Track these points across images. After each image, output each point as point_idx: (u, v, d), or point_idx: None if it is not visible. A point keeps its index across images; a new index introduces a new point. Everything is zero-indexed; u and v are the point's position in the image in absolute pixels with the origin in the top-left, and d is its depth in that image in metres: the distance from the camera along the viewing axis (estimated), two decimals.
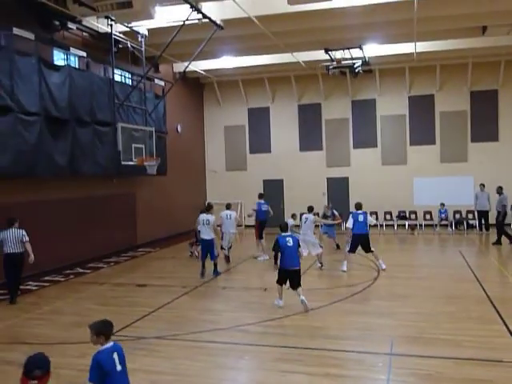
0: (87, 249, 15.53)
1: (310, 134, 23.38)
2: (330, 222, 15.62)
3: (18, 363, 7.11)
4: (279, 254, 9.25)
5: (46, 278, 13.04)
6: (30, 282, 12.51)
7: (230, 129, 24.63)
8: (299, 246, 9.48)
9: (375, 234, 20.21)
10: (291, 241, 9.31)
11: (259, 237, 15.64)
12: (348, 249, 13.11)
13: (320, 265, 13.25)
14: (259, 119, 24.12)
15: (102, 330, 4.38)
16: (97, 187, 16.28)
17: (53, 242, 13.92)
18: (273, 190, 23.77)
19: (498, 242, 16.62)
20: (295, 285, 9.29)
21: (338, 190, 22.86)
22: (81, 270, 14.15)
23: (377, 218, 22.05)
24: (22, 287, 11.73)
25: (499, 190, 17.87)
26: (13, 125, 12.04)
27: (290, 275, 9.31)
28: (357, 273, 13.12)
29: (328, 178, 23.21)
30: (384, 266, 12.83)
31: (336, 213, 16.24)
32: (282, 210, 23.53)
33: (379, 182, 22.14)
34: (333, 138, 23.19)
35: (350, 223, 13.02)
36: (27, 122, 12.50)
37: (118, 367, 4.31)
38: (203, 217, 12.50)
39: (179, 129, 22.14)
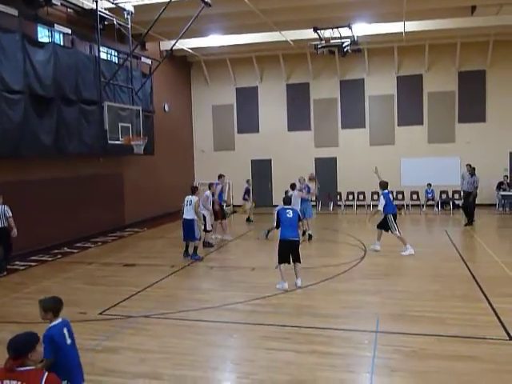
0: (74, 229, 15.47)
1: (299, 113, 23.32)
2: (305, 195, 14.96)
3: (6, 342, 7.14)
4: (275, 225, 9.53)
5: (33, 258, 13.00)
6: (17, 262, 12.46)
7: (218, 108, 24.48)
8: (300, 219, 9.63)
9: (363, 214, 20.38)
10: (291, 212, 9.49)
11: (223, 217, 15.00)
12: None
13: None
14: (247, 99, 23.98)
15: (51, 306, 4.55)
16: (83, 167, 16.15)
17: (40, 222, 13.85)
18: (261, 170, 23.78)
19: (470, 223, 16.65)
20: (295, 258, 9.41)
21: (326, 170, 22.91)
22: (68, 250, 14.11)
23: (364, 198, 22.23)
24: (9, 267, 11.70)
25: (471, 171, 16.78)
26: None
27: (290, 247, 9.34)
28: (343, 252, 13.26)
29: (316, 159, 23.24)
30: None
31: (311, 186, 15.08)
32: (270, 190, 23.62)
33: (367, 162, 22.18)
34: (321, 118, 23.17)
35: (382, 204, 12.37)
36: (11, 101, 12.32)
37: (68, 341, 4.49)
38: (188, 198, 12.49)
39: (166, 108, 21.95)
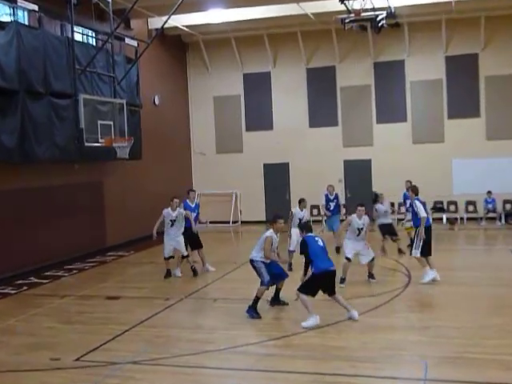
0: (44, 253, 15.58)
1: (322, 105, 23.37)
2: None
3: None
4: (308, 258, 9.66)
5: None
6: None
7: (222, 100, 24.61)
8: None
9: (399, 230, 20.27)
10: (320, 241, 9.82)
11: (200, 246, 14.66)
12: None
13: None
14: (258, 88, 24.09)
15: None
16: (54, 175, 16.30)
17: (0, 244, 13.96)
18: (276, 177, 23.82)
19: None
20: (332, 291, 9.64)
21: (357, 175, 22.89)
22: (36, 280, 14.20)
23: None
24: None
25: None
26: None
27: (327, 279, 9.52)
28: (382, 278, 13.19)
29: (345, 161, 23.24)
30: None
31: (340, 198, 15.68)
32: (287, 202, 23.59)
33: (409, 164, 22.13)
34: (351, 111, 23.19)
35: (423, 211, 12.22)
36: None
37: None
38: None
39: (157, 101, 22.12)
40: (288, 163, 23.96)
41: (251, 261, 10.58)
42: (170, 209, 13.77)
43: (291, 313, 10.31)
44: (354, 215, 12.25)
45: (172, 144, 23.35)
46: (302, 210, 14.41)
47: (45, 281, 14.18)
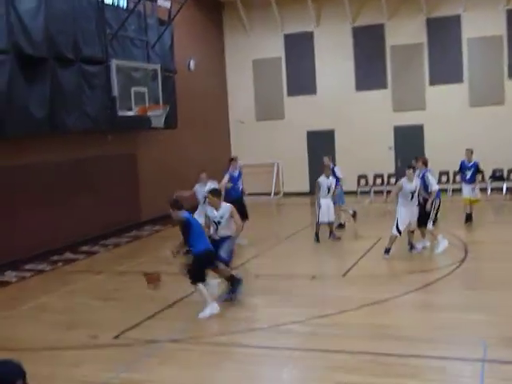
0: (78, 228, 15.91)
1: (370, 66, 23.10)
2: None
3: None
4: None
5: (28, 267, 13.49)
6: (8, 272, 12.98)
7: (261, 63, 24.53)
8: None
9: (460, 201, 20.05)
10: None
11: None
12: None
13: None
14: (300, 49, 23.93)
15: None
16: (86, 147, 16.55)
17: (34, 221, 14.31)
18: (320, 145, 23.70)
19: None
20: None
21: (408, 142, 22.62)
22: (71, 256, 14.57)
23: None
24: None
25: None
26: None
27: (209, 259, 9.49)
28: (437, 253, 13.12)
29: (396, 127, 23.00)
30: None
31: (338, 172, 15.50)
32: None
33: (466, 130, 21.78)
34: (401, 72, 22.86)
35: (435, 184, 12.83)
36: None
37: None
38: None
39: (192, 65, 22.15)
40: (333, 130, 23.83)
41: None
42: (199, 184, 13.97)
43: (336, 290, 10.37)
44: (404, 179, 12.29)
45: (209, 112, 23.40)
46: (328, 178, 14.44)
47: (80, 256, 14.54)
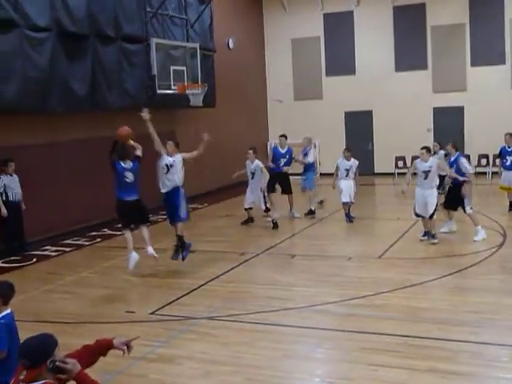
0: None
1: (411, 47, 22.74)
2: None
3: None
4: None
5: (67, 242, 13.75)
6: (48, 247, 13.23)
7: (300, 42, 24.35)
8: None
9: (493, 185, 19.72)
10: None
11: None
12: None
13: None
14: (339, 29, 23.67)
15: (3, 291, 4.94)
16: (125, 124, 16.60)
17: (74, 196, 14.53)
18: (358, 126, 23.53)
19: None
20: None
21: (448, 124, 22.25)
22: (109, 232, 14.76)
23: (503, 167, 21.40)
24: (37, 252, 12.49)
25: None
26: (18, 44, 12.44)
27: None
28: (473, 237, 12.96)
29: (435, 108, 22.67)
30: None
31: (309, 152, 15.96)
32: (370, 153, 23.32)
33: (509, 112, 21.35)
34: (442, 53, 22.46)
35: (470, 168, 12.57)
36: (36, 40, 12.88)
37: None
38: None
39: (231, 44, 22.10)
40: (371, 111, 23.58)
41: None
42: (249, 161, 14.42)
43: (373, 271, 10.32)
44: (419, 159, 12.25)
45: (247, 90, 23.36)
46: (348, 160, 14.58)
47: (118, 233, 14.66)
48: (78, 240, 13.95)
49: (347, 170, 14.47)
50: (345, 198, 14.35)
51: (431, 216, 11.94)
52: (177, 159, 11.23)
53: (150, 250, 10.48)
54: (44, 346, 3.68)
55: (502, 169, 15.16)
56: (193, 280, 10.15)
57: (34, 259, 12.17)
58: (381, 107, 23.30)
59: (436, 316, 8.03)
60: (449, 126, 22.19)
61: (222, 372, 6.61)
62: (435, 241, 11.93)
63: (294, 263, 11.36)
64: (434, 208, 11.90)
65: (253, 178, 14.36)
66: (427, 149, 12.26)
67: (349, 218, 14.47)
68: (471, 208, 12.32)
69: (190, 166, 19.29)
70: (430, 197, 11.93)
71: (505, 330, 7.46)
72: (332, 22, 23.78)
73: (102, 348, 4.22)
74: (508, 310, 8.17)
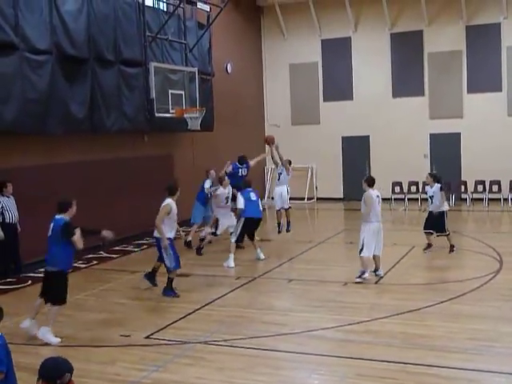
0: (113, 227, 15.85)
1: (408, 73, 22.91)
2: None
3: (34, 369, 7.61)
4: None
5: None
6: (43, 269, 13.12)
7: (298, 68, 24.52)
8: None
9: (497, 212, 19.78)
10: None
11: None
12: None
13: None
14: (337, 54, 23.85)
15: None
16: (123, 147, 16.74)
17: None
18: (355, 151, 23.61)
19: None
20: None
21: (445, 150, 22.37)
22: (106, 255, 14.72)
23: (499, 189, 21.52)
24: (32, 274, 12.44)
25: None
26: (18, 67, 12.54)
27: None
28: (470, 263, 12.96)
29: (432, 135, 22.76)
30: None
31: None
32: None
33: (505, 138, 21.46)
34: (439, 79, 22.63)
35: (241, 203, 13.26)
36: (36, 63, 12.98)
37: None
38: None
39: (229, 69, 22.25)
40: (368, 136, 23.67)
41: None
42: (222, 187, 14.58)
43: (368, 297, 10.31)
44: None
45: (245, 115, 23.46)
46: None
47: (114, 255, 14.68)
48: (74, 262, 13.84)
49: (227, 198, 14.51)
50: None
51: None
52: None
53: None
54: (57, 366, 4.18)
55: None
56: (188, 304, 10.11)
57: (29, 281, 12.11)
58: (378, 133, 23.40)
59: (432, 343, 8.00)
60: (445, 153, 22.33)
61: None
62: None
63: (290, 288, 11.33)
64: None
65: (227, 202, 14.39)
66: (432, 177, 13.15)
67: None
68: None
69: (187, 190, 19.37)
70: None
71: (502, 358, 7.43)
72: (330, 48, 23.96)
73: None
74: (505, 338, 8.15)
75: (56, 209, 9.16)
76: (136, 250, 15.42)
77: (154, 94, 15.38)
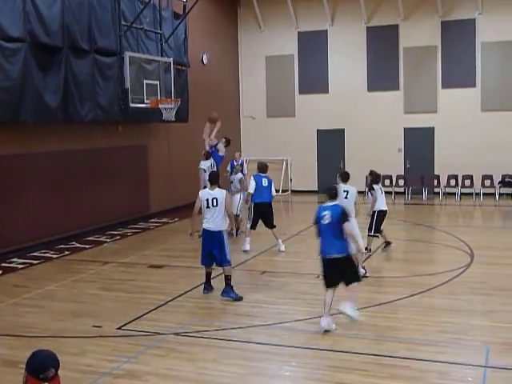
0: (86, 218, 15.97)
1: (383, 67, 23.00)
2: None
3: (3, 360, 7.55)
4: None
5: (35, 254, 13.56)
6: (15, 259, 13.04)
7: (274, 60, 24.49)
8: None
9: (469, 206, 19.99)
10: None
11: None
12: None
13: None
14: (313, 47, 23.86)
15: None
16: (97, 137, 16.60)
17: (43, 208, 14.38)
18: (330, 144, 23.69)
19: None
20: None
21: (419, 144, 22.55)
22: (78, 245, 14.63)
23: (472, 184, 21.76)
24: (5, 265, 12.31)
25: None
26: None
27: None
28: (442, 257, 13.09)
29: (406, 129, 22.91)
30: None
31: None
32: (342, 171, 23.45)
33: (477, 135, 21.67)
34: (414, 74, 22.76)
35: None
36: (8, 51, 12.75)
37: None
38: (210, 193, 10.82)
39: (205, 60, 22.15)
40: (343, 129, 23.75)
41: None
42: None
43: (341, 290, 10.35)
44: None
45: (220, 106, 23.26)
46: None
47: (87, 246, 14.58)
48: (46, 253, 13.77)
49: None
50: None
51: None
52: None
53: None
54: (42, 360, 4.21)
55: None
56: (161, 295, 10.07)
57: (0, 271, 11.99)
58: (353, 126, 23.48)
59: (403, 335, 8.07)
60: (419, 147, 22.51)
61: None
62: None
63: (263, 280, 11.33)
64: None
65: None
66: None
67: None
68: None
69: (164, 181, 19.33)
70: None
71: (472, 350, 7.52)
72: (306, 41, 23.96)
73: None
74: (475, 330, 8.24)
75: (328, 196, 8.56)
76: (108, 240, 15.31)
77: (128, 84, 15.24)
